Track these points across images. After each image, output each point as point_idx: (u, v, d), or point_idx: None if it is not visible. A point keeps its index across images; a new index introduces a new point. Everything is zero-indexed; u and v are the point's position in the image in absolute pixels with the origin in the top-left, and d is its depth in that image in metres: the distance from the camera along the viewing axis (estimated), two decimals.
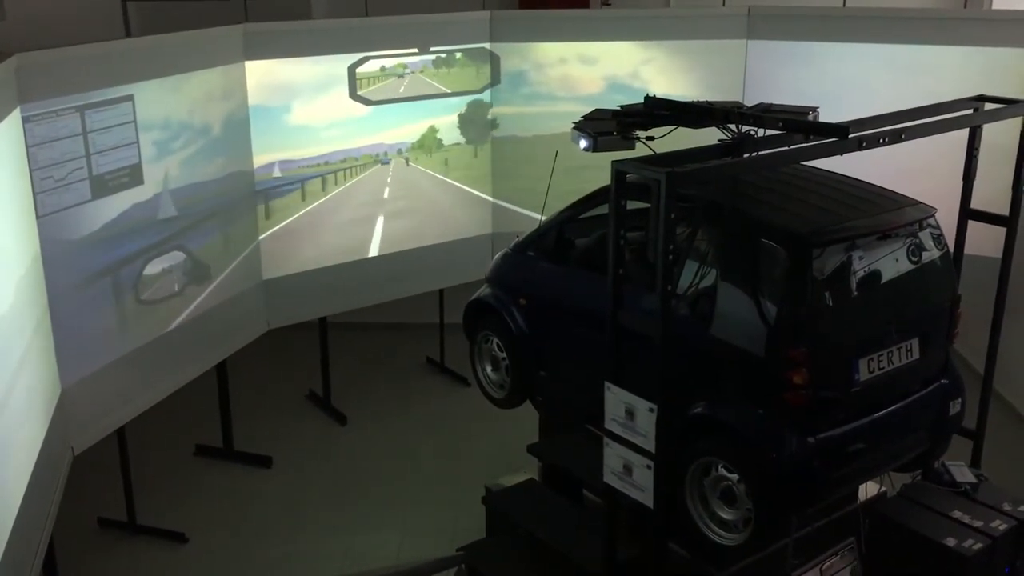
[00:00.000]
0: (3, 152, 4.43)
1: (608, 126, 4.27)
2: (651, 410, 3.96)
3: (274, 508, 6.49)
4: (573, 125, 4.29)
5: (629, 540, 4.56)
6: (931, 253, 4.51)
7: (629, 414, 4.07)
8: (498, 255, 5.63)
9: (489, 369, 5.65)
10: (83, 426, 5.34)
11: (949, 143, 5.04)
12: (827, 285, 4.13)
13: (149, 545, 6.11)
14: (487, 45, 7.46)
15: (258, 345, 6.93)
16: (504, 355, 5.46)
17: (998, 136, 5.18)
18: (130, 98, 5.45)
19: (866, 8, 7.69)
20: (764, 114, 4.33)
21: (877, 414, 4.36)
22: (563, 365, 5.24)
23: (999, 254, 5.22)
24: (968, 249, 5.25)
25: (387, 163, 7.25)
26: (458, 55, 7.38)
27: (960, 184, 5.20)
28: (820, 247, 4.09)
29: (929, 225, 4.53)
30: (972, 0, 8.50)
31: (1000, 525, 4.58)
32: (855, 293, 4.23)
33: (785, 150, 4.28)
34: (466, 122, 7.53)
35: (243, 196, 6.53)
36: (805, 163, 4.52)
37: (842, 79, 7.14)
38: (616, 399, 4.11)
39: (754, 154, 4.25)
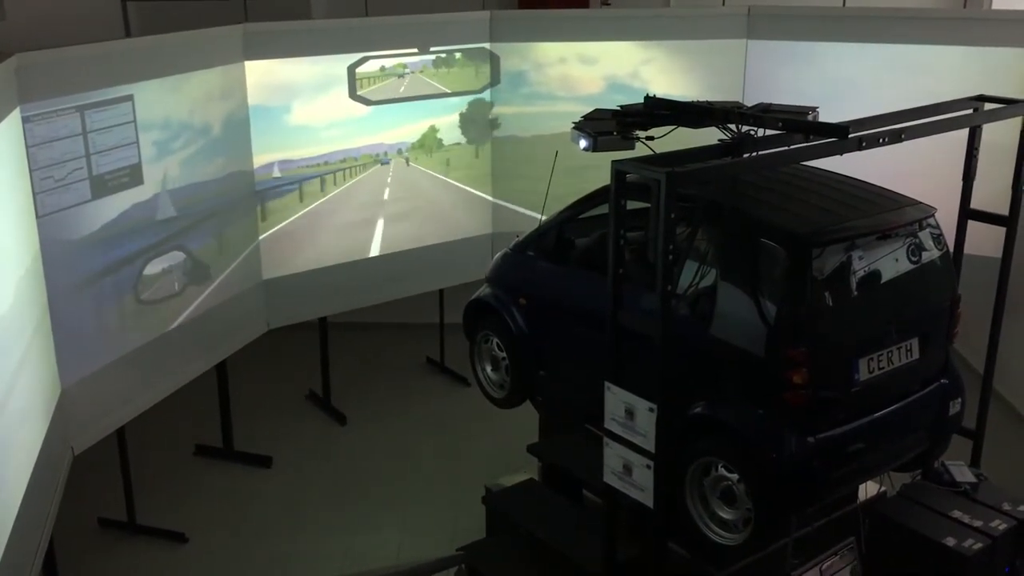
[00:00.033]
0: (3, 152, 4.43)
1: (608, 126, 4.27)
2: (651, 410, 3.96)
3: (274, 508, 6.49)
4: (573, 125, 4.29)
5: (629, 540, 4.56)
6: (931, 253, 4.51)
7: (629, 414, 4.07)
8: (498, 255, 5.63)
9: (489, 369, 5.65)
10: (83, 426, 5.34)
11: (949, 143, 5.04)
12: (827, 285, 4.13)
13: (149, 545, 6.11)
14: (487, 45, 7.46)
15: (258, 345, 6.93)
16: (504, 355, 5.46)
17: (998, 136, 5.18)
18: (130, 98, 5.45)
19: (866, 8, 7.70)
20: (764, 114, 4.33)
21: (877, 414, 4.36)
22: (563, 365, 5.24)
23: (999, 254, 5.22)
24: (968, 249, 5.26)
25: (387, 163, 7.25)
26: (458, 55, 7.38)
27: (960, 184, 5.20)
28: (820, 247, 4.09)
29: (929, 225, 4.53)
30: (972, 0, 8.50)
31: (1000, 525, 4.58)
32: (855, 293, 4.23)
33: (785, 150, 4.28)
34: (467, 122, 7.53)
35: (243, 196, 6.53)
36: (805, 163, 4.52)
37: (842, 79, 7.14)
38: (616, 399, 4.11)
39: (754, 154, 4.25)
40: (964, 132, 4.99)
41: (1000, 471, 5.51)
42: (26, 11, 7.01)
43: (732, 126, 4.35)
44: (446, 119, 7.44)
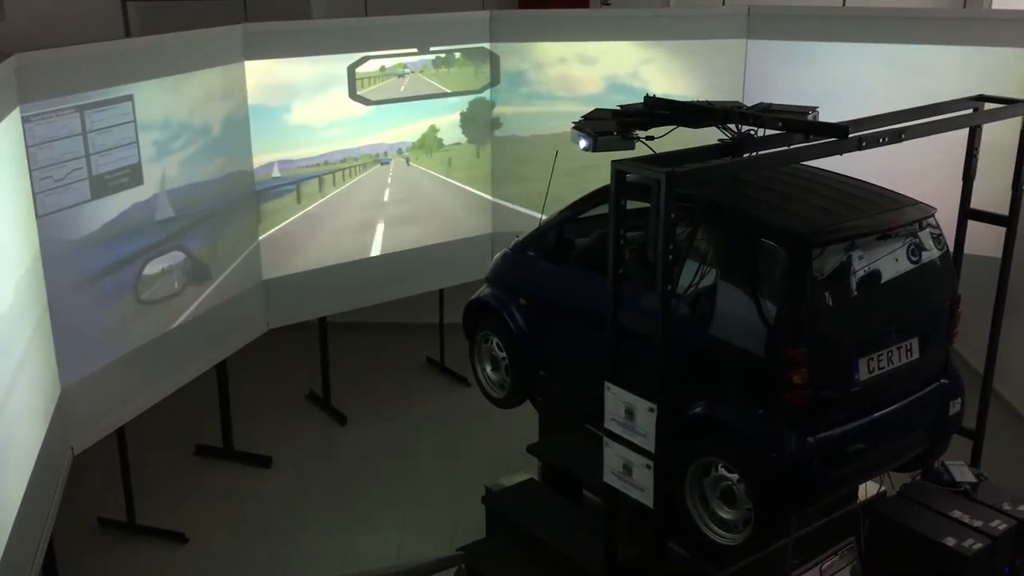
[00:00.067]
0: (3, 152, 4.43)
1: (608, 126, 4.27)
2: (651, 410, 3.96)
3: (274, 508, 6.49)
4: (573, 125, 4.29)
5: (629, 540, 4.56)
6: (931, 253, 4.51)
7: (629, 414, 4.07)
8: (498, 255, 5.63)
9: (489, 369, 5.65)
10: (83, 426, 5.34)
11: (949, 143, 5.04)
12: (827, 285, 4.13)
13: (149, 545, 6.10)
14: (487, 45, 7.46)
15: (258, 345, 6.93)
16: (504, 355, 5.46)
17: (998, 136, 5.18)
18: (130, 98, 5.45)
19: (866, 8, 7.69)
20: (764, 114, 4.33)
21: (877, 414, 4.36)
22: (563, 365, 5.24)
23: (999, 254, 5.22)
24: (968, 249, 5.25)
25: (387, 163, 7.25)
26: (458, 55, 7.37)
27: (960, 184, 5.20)
28: (820, 247, 4.09)
29: (929, 225, 4.53)
30: (972, 0, 8.50)
31: (1000, 525, 4.58)
32: (855, 293, 4.23)
33: (785, 150, 4.28)
34: (468, 122, 7.53)
35: (243, 196, 6.53)
36: (805, 163, 4.52)
37: (842, 79, 7.14)
38: (616, 399, 4.11)
39: (754, 154, 4.25)
40: (964, 132, 4.99)
41: (1000, 471, 5.51)
42: (26, 11, 7.02)
43: (732, 126, 4.35)
44: (446, 119, 7.44)
